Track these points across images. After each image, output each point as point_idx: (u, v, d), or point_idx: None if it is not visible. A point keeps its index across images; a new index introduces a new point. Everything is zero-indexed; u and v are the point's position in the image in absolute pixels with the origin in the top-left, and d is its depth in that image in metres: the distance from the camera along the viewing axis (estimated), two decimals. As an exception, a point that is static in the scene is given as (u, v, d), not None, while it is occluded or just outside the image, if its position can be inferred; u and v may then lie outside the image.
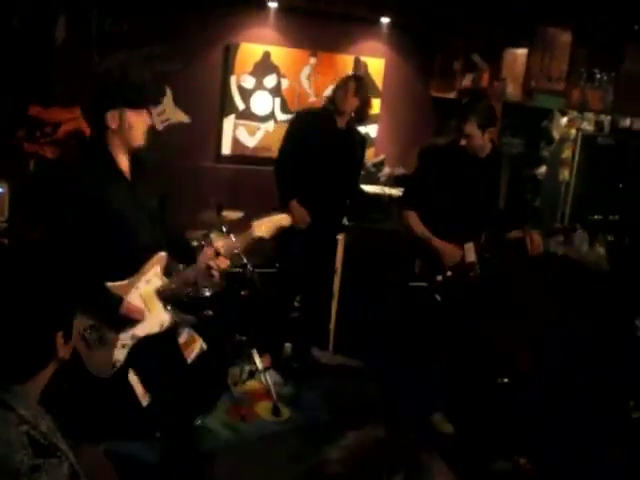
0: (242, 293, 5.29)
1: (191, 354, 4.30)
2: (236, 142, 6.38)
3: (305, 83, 6.50)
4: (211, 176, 6.27)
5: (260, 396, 5.08)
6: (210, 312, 4.90)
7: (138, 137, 3.39)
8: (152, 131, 5.82)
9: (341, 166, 5.15)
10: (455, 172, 4.38)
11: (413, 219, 4.47)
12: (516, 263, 4.72)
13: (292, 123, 5.35)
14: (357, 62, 6.66)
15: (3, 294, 1.77)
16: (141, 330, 3.47)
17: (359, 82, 5.09)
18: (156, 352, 3.52)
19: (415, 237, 4.46)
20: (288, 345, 5.69)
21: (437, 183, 4.41)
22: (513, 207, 4.37)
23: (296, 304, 5.73)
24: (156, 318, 3.51)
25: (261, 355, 5.10)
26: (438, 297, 4.32)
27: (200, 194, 5.94)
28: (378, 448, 1.22)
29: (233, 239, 3.86)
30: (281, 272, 5.57)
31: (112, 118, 3.28)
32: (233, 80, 6.23)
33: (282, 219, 3.77)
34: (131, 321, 3.44)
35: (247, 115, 6.36)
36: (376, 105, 6.74)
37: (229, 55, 6.17)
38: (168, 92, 6.01)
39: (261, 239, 3.67)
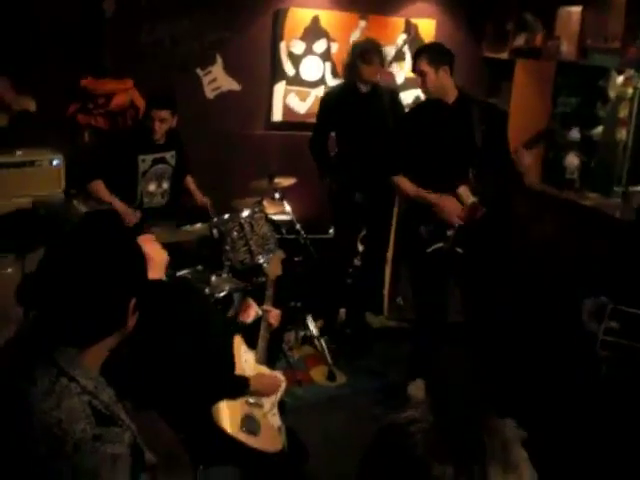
0: (296, 259, 5.32)
1: (247, 319, 4.35)
2: (287, 108, 6.37)
3: (355, 47, 6.45)
4: (262, 143, 6.28)
5: (315, 361, 5.13)
6: (264, 279, 4.94)
7: None
8: (204, 99, 5.95)
9: (374, 127, 5.16)
10: (426, 121, 4.40)
11: (404, 182, 4.45)
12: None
13: (320, 104, 5.49)
14: (407, 24, 6.57)
15: (85, 254, 1.80)
16: None
17: (382, 52, 5.18)
18: None
19: (411, 200, 4.46)
20: (342, 310, 5.72)
21: (413, 138, 4.40)
22: (494, 150, 4.29)
23: (350, 270, 5.75)
24: None
25: (315, 320, 5.14)
26: (460, 250, 4.31)
27: (252, 161, 5.97)
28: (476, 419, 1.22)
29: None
30: (335, 238, 5.59)
31: None
32: (283, 46, 6.21)
33: (279, 254, 4.13)
34: None
35: (297, 81, 6.34)
36: (427, 67, 6.68)
37: (278, 21, 6.13)
38: (218, 60, 6.01)
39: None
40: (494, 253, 4.63)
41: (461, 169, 4.26)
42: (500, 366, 4.70)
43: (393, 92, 5.48)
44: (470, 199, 4.23)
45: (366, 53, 5.05)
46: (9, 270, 4.64)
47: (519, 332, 5.08)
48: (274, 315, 3.63)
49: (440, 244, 4.29)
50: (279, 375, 3.44)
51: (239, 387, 3.15)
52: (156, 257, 2.99)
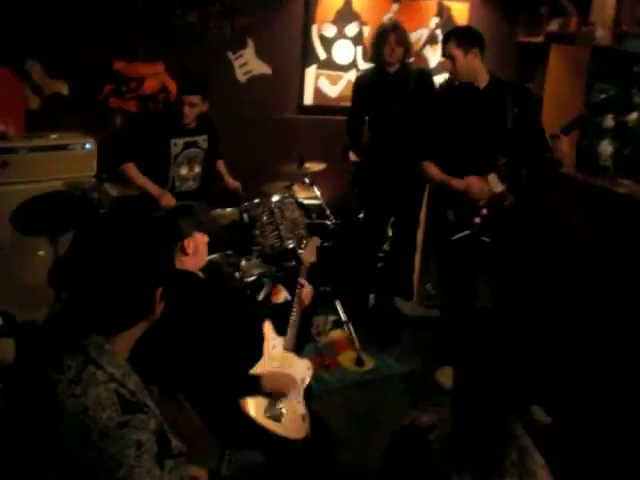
0: (325, 244, 5.32)
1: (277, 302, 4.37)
2: (318, 92, 6.35)
3: (387, 31, 6.40)
4: (293, 127, 6.27)
5: (344, 346, 5.14)
6: (294, 263, 4.95)
7: None
8: (235, 83, 5.94)
9: (402, 109, 5.14)
10: (456, 106, 4.38)
11: (430, 168, 4.44)
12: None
13: (353, 87, 5.49)
14: (440, 7, 6.52)
15: (115, 241, 1.81)
16: None
17: (398, 31, 5.08)
18: None
19: (438, 185, 4.45)
20: (372, 296, 5.71)
21: (443, 122, 4.39)
22: (527, 134, 4.25)
23: (380, 255, 5.73)
24: None
25: (344, 305, 5.14)
26: (486, 239, 4.29)
27: (282, 145, 5.95)
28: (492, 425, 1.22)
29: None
30: (365, 223, 5.58)
31: None
32: (314, 29, 6.18)
33: (315, 241, 3.98)
34: None
35: (329, 64, 6.32)
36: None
37: (310, 4, 6.10)
38: (250, 43, 6.00)
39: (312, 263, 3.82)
40: (522, 242, 4.58)
41: (491, 155, 4.22)
42: (527, 353, 4.67)
43: (423, 73, 5.39)
44: (499, 187, 4.20)
45: (382, 34, 5.04)
46: (41, 253, 4.69)
47: (545, 320, 5.05)
48: (307, 292, 3.60)
49: (466, 232, 4.27)
50: (305, 363, 3.43)
51: (248, 388, 3.14)
52: (203, 256, 3.27)
